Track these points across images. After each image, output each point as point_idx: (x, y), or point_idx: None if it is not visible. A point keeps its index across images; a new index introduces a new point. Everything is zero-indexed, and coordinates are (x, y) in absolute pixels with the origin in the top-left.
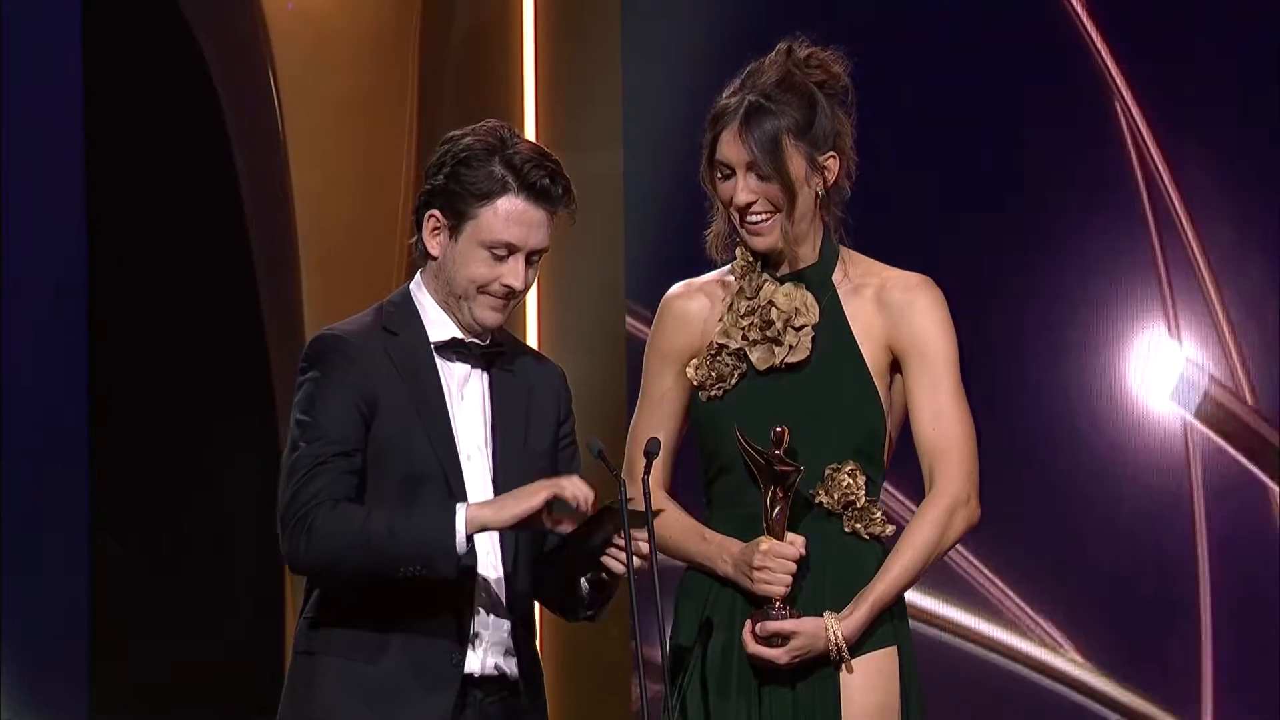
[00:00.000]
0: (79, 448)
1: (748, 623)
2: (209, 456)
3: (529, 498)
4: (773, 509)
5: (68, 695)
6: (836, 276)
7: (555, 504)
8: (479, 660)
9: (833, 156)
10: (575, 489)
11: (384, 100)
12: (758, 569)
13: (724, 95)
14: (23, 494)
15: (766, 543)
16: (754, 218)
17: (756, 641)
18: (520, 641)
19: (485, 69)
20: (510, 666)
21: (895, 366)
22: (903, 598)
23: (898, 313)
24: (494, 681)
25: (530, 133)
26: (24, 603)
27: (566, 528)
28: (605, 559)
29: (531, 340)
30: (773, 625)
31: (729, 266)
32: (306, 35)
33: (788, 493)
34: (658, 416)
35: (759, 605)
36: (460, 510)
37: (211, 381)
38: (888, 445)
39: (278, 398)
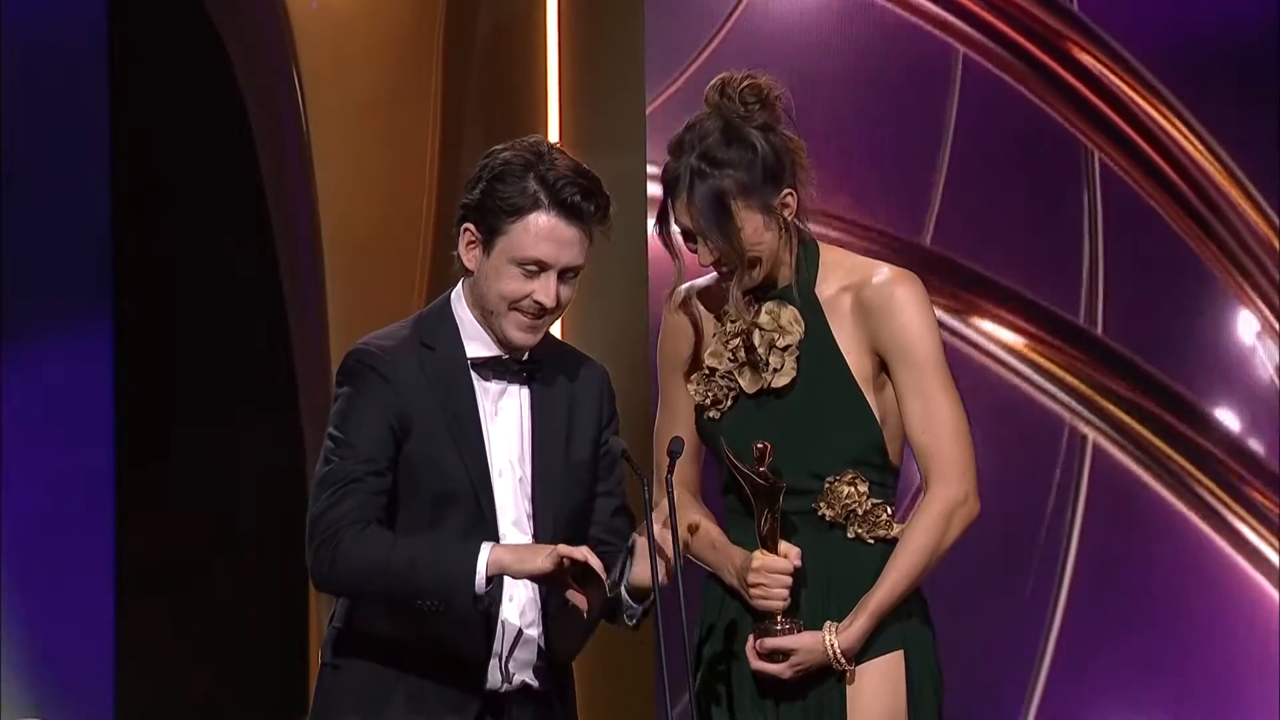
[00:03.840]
0: (103, 449)
1: (750, 638)
2: (233, 457)
3: (544, 559)
4: (763, 525)
5: (94, 695)
6: (819, 286)
7: (578, 574)
8: (505, 677)
9: (790, 193)
10: (583, 554)
11: (407, 100)
12: (752, 585)
13: (669, 153)
14: (48, 495)
15: (760, 558)
16: (723, 270)
17: (759, 658)
18: (547, 656)
19: (508, 68)
20: (538, 681)
21: (885, 368)
22: (923, 600)
23: (876, 315)
24: (521, 695)
25: (553, 133)
26: (49, 603)
27: (581, 601)
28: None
29: None
30: (770, 642)
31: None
32: (329, 35)
33: (773, 508)
34: (677, 418)
35: (761, 617)
36: (484, 551)
37: (236, 382)
38: (889, 446)
39: (302, 398)
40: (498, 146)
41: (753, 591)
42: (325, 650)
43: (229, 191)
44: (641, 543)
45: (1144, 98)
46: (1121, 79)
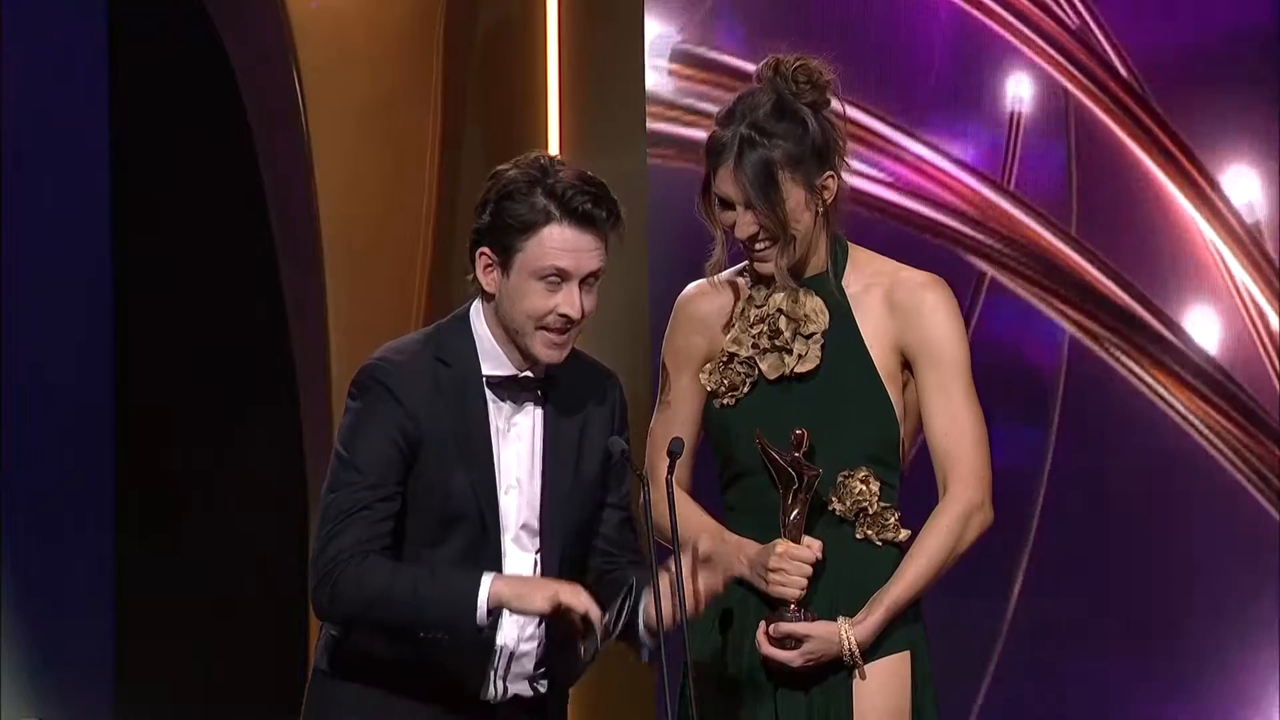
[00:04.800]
0: (104, 448)
1: (761, 624)
2: (233, 457)
3: (542, 601)
4: (790, 512)
5: (93, 694)
6: (846, 280)
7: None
8: (499, 687)
9: (831, 175)
10: (583, 605)
11: (407, 99)
12: (773, 571)
13: (717, 123)
14: (48, 493)
15: (782, 545)
16: (758, 246)
17: (770, 643)
18: (546, 664)
19: (508, 68)
20: (530, 690)
21: (907, 366)
22: (918, 600)
23: (906, 315)
24: (513, 703)
25: (554, 134)
26: (49, 602)
27: (587, 651)
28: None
29: None
30: (786, 627)
31: (743, 264)
32: (330, 34)
33: (807, 496)
34: (676, 418)
35: (774, 607)
36: (485, 583)
37: (236, 379)
38: (902, 448)
39: (302, 399)
40: (501, 166)
41: (772, 578)
42: (320, 657)
43: (229, 191)
44: (649, 577)
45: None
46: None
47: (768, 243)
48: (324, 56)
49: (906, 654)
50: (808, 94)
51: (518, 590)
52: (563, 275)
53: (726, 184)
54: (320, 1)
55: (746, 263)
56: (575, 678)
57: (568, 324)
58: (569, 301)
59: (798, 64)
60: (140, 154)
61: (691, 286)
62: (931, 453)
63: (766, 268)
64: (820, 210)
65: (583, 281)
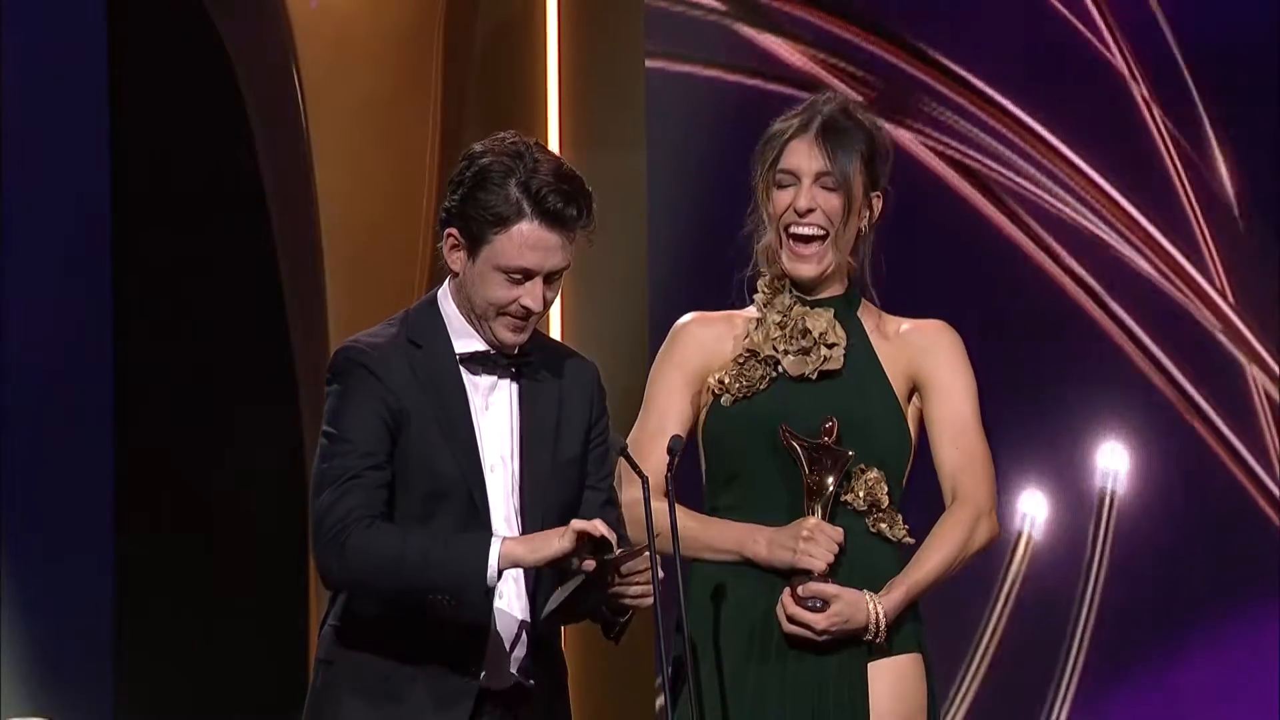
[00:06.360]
0: (104, 444)
1: (786, 590)
2: (233, 456)
3: (560, 540)
4: (819, 495)
5: (93, 694)
6: (860, 312)
7: (591, 547)
8: (498, 674)
9: (879, 196)
10: (600, 528)
11: (408, 98)
12: (806, 539)
13: (782, 120)
14: (47, 490)
15: (814, 519)
16: (804, 230)
17: (795, 603)
18: (541, 652)
19: (508, 68)
20: (529, 677)
21: (918, 398)
22: (917, 604)
23: (922, 350)
24: (512, 693)
25: (553, 132)
26: (48, 599)
27: (590, 565)
28: (619, 589)
29: None
30: (815, 586)
31: (743, 310)
32: (330, 34)
33: (837, 479)
34: (667, 424)
35: (797, 574)
36: (495, 545)
37: (236, 379)
38: (907, 466)
39: (301, 395)
40: (476, 148)
41: (803, 546)
42: (320, 647)
43: (229, 191)
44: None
45: None
46: None
47: (816, 229)
48: (324, 56)
49: (919, 655)
50: (868, 118)
51: (530, 544)
52: (527, 274)
53: (798, 155)
54: (320, 1)
55: (751, 305)
56: (572, 616)
57: (528, 314)
58: (532, 295)
59: (857, 102)
60: (141, 156)
61: (689, 315)
62: (940, 468)
63: (804, 267)
64: (862, 229)
65: (547, 277)
